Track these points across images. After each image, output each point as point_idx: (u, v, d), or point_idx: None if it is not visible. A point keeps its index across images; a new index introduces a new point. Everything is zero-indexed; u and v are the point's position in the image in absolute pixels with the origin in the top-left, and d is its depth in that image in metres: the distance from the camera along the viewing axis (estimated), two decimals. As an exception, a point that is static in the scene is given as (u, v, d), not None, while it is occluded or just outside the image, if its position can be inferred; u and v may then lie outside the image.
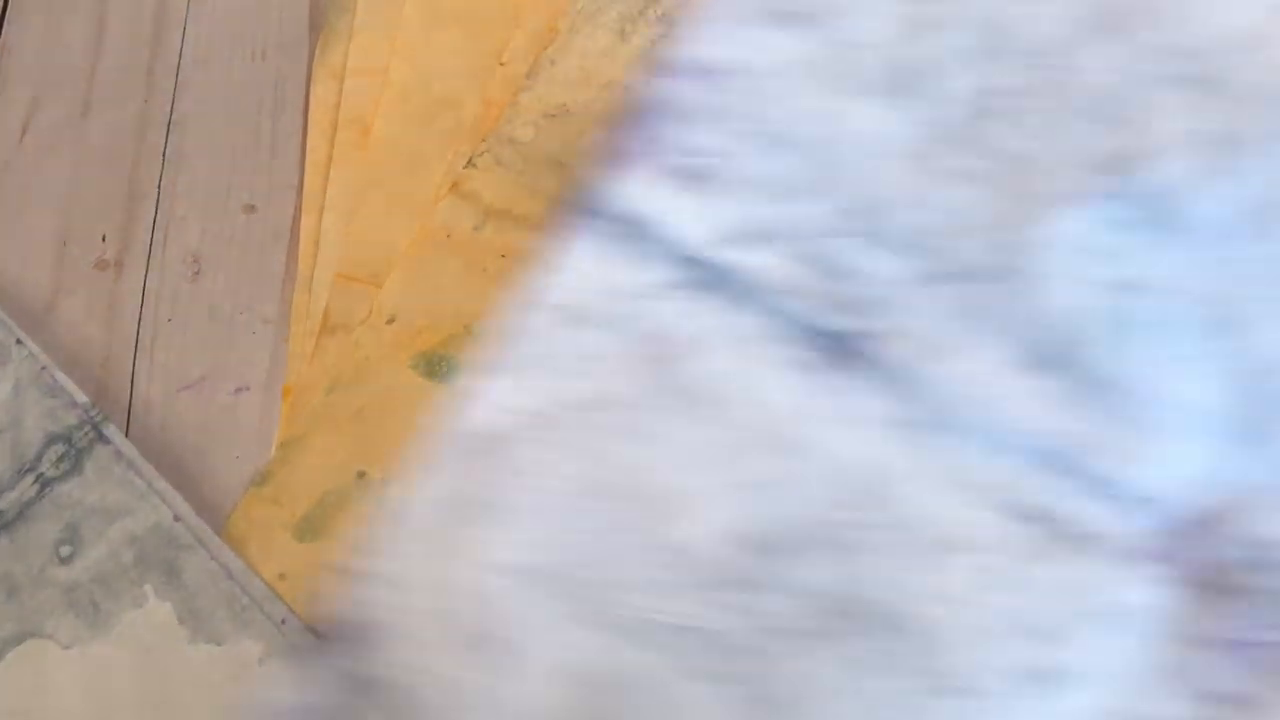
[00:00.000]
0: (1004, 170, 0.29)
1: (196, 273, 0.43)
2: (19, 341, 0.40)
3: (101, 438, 0.39)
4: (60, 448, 0.38)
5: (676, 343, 0.29)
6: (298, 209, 0.44)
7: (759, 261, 0.29)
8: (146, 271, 0.43)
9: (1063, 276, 0.29)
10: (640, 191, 0.30)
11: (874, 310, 0.29)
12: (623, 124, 0.30)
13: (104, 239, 0.44)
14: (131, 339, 0.42)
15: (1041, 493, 0.28)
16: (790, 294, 0.29)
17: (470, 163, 0.42)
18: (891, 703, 0.26)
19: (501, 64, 0.46)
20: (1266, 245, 0.29)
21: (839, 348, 0.29)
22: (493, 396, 0.28)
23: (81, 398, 0.39)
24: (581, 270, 0.30)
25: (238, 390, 0.41)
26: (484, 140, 0.42)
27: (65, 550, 0.37)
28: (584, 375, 0.29)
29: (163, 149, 0.46)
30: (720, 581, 0.27)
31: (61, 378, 0.39)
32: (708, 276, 0.29)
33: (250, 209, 0.44)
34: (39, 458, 0.38)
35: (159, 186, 0.45)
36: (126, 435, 0.40)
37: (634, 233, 0.30)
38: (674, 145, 0.30)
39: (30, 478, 0.38)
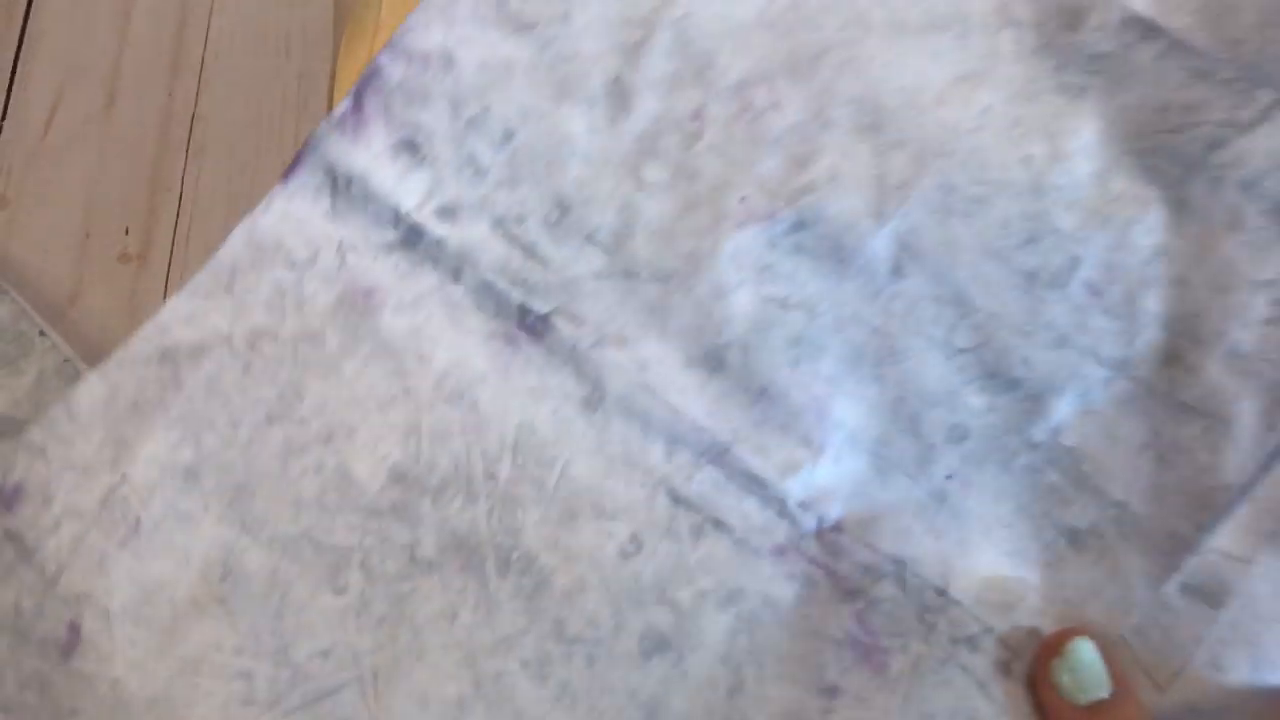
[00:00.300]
0: (694, 187, 0.32)
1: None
2: (42, 333, 0.40)
3: (124, 429, 0.39)
4: None
5: (382, 297, 0.31)
6: (321, 204, 0.45)
7: (467, 236, 0.32)
8: (169, 264, 0.43)
9: (734, 288, 0.32)
10: (365, 156, 0.32)
11: (565, 295, 0.32)
12: (361, 93, 0.32)
13: (127, 232, 0.44)
14: (154, 332, 0.42)
15: (695, 482, 0.31)
16: (495, 271, 0.32)
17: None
18: (504, 637, 0.29)
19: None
20: (922, 286, 0.32)
21: (534, 325, 0.32)
22: (200, 315, 0.31)
23: (104, 389, 0.39)
24: (300, 217, 0.32)
25: (259, 384, 0.42)
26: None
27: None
28: (290, 312, 0.31)
29: (186, 142, 0.46)
30: (373, 510, 0.30)
31: (84, 369, 0.39)
32: (421, 243, 0.32)
33: (273, 204, 0.45)
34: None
35: (182, 180, 0.45)
36: (148, 427, 0.40)
37: (356, 192, 0.32)
38: (401, 121, 0.32)
39: (53, 468, 0.38)
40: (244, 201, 0.44)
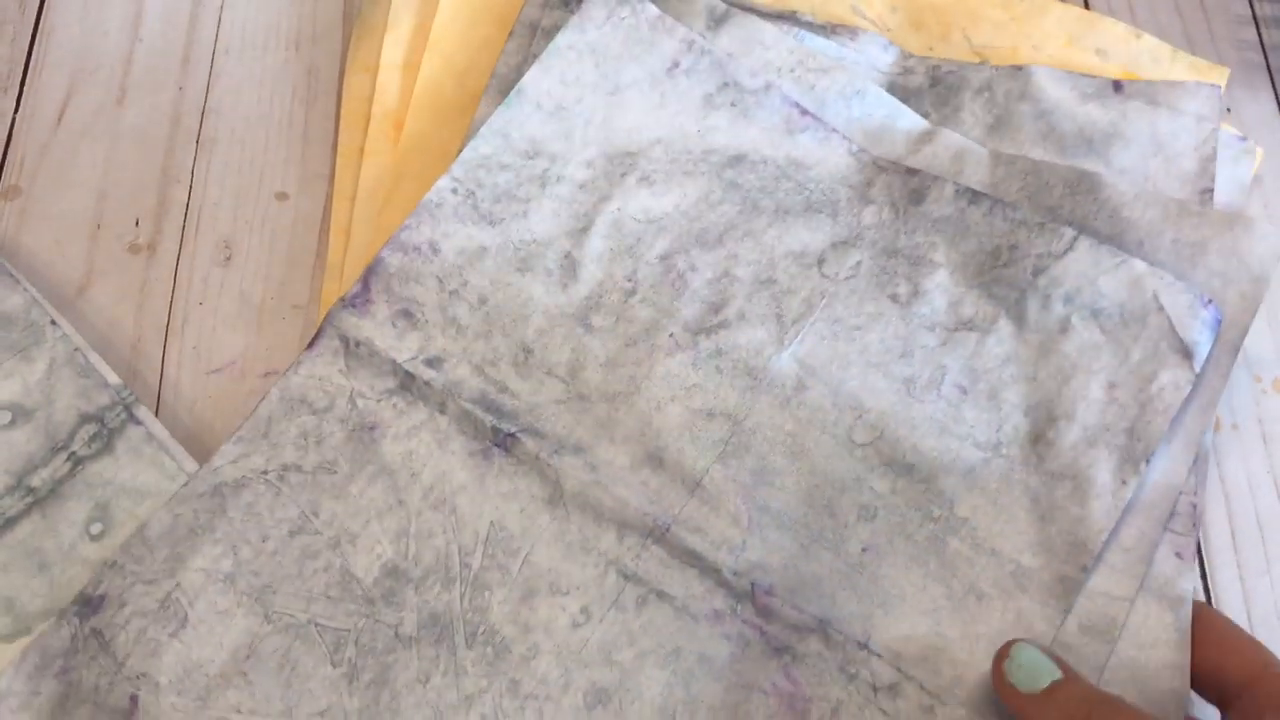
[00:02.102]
0: (631, 329, 0.40)
1: (228, 258, 0.44)
2: (53, 323, 0.40)
3: (133, 419, 0.39)
4: (92, 427, 0.39)
5: (383, 430, 0.39)
6: (329, 198, 0.45)
7: (450, 378, 0.39)
8: (179, 256, 0.44)
9: (667, 402, 0.39)
10: (370, 325, 0.40)
11: (530, 418, 0.39)
12: (367, 279, 0.40)
13: (137, 223, 0.45)
14: (163, 322, 0.43)
15: (643, 559, 0.37)
16: (472, 403, 0.39)
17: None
18: (467, 696, 0.36)
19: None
20: (822, 396, 0.39)
21: (504, 441, 0.38)
22: (243, 457, 0.38)
23: (114, 379, 0.40)
24: (321, 375, 0.40)
25: (267, 374, 0.42)
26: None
27: (96, 528, 0.38)
28: (311, 449, 0.39)
29: (196, 136, 0.46)
30: (368, 598, 0.37)
31: (95, 359, 0.40)
32: (414, 385, 0.39)
33: (282, 196, 0.45)
34: (71, 436, 0.39)
35: (192, 172, 0.46)
36: (156, 416, 0.41)
37: (364, 352, 0.40)
38: (399, 296, 0.40)
39: (62, 456, 0.39)
40: (253, 194, 0.45)
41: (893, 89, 0.45)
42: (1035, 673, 0.34)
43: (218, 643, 0.36)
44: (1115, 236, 0.40)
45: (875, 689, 0.35)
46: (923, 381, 0.39)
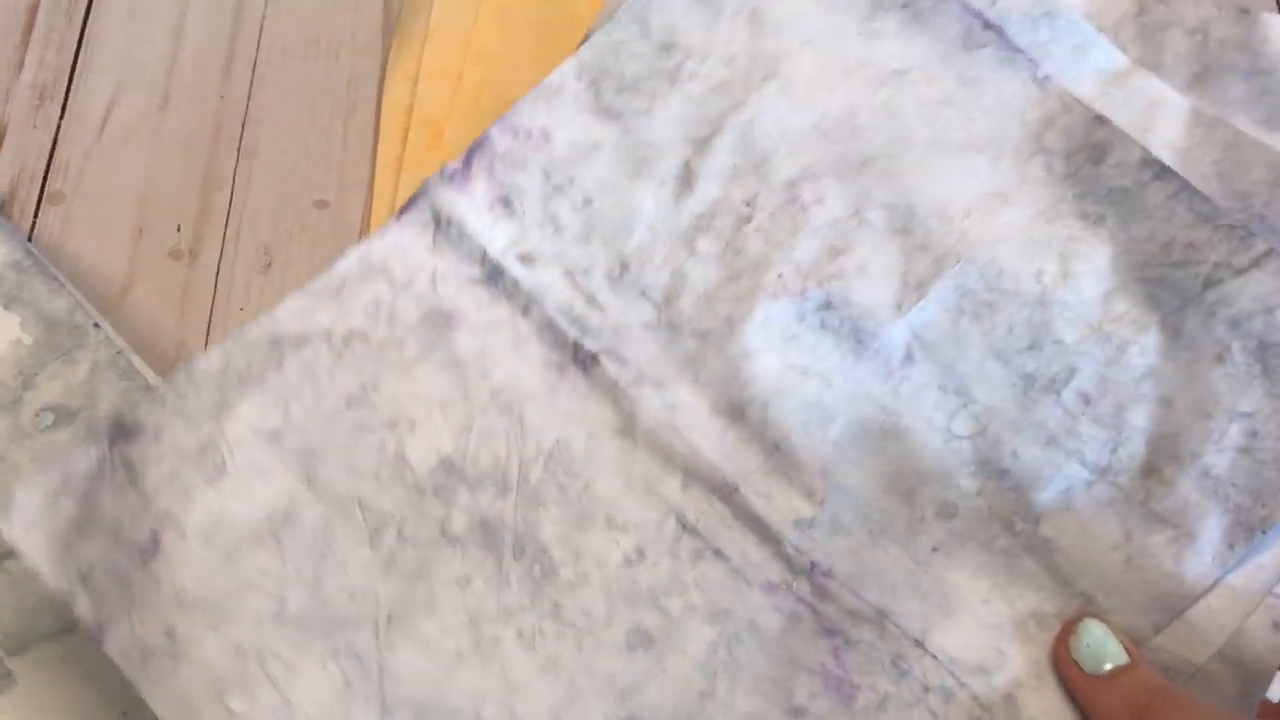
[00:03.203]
0: (739, 261, 0.37)
1: (268, 264, 0.44)
2: (96, 325, 0.41)
3: (174, 421, 0.40)
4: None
5: (460, 320, 0.36)
6: (368, 206, 0.46)
7: (539, 280, 0.37)
8: (219, 261, 0.44)
9: (761, 351, 0.36)
10: (466, 204, 0.37)
11: (615, 339, 0.36)
12: (470, 156, 0.38)
13: (179, 229, 0.45)
14: (204, 326, 0.43)
15: (705, 515, 0.35)
16: (558, 311, 0.36)
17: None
18: (507, 609, 0.33)
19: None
20: (930, 375, 0.36)
21: (584, 359, 0.36)
22: (309, 312, 0.36)
23: (156, 381, 0.40)
24: (406, 246, 0.37)
25: (305, 380, 0.43)
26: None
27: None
28: (382, 321, 0.36)
29: (238, 143, 0.47)
30: (418, 488, 0.35)
31: (137, 361, 0.40)
32: (501, 280, 0.37)
33: (322, 204, 0.45)
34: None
35: (233, 179, 0.46)
36: (197, 420, 0.41)
37: (454, 233, 0.37)
38: (501, 180, 0.38)
39: (105, 457, 0.39)
40: (293, 202, 0.46)
41: (1090, 13, 0.39)
42: (1101, 653, 0.32)
43: (253, 499, 0.34)
44: None
45: (927, 689, 0.33)
46: (1044, 380, 0.35)
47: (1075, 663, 0.33)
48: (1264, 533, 0.33)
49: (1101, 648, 0.32)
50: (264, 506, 0.34)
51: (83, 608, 0.33)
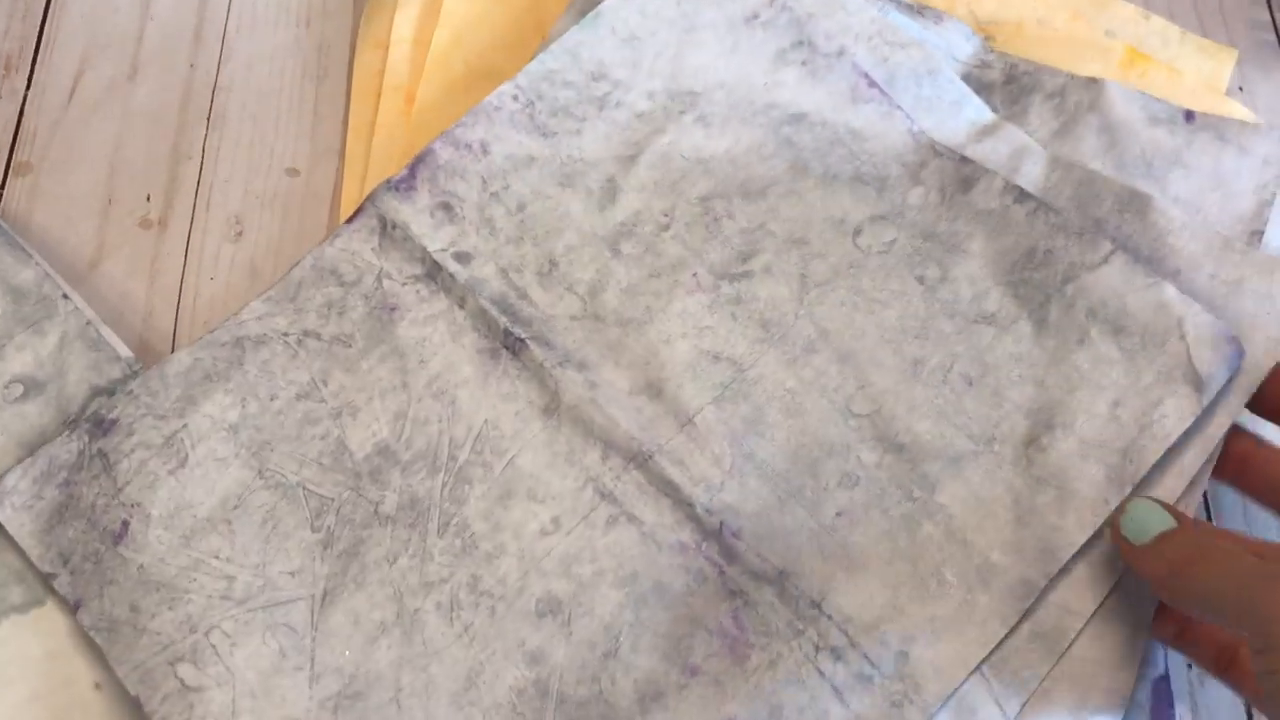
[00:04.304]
0: (658, 262, 0.41)
1: (239, 233, 0.44)
2: (65, 296, 0.40)
3: (144, 391, 0.40)
4: (104, 400, 0.39)
5: (402, 313, 0.40)
6: (339, 174, 0.45)
7: (474, 274, 0.40)
8: (190, 231, 0.44)
9: (677, 338, 0.40)
10: (410, 210, 0.41)
11: (544, 328, 0.40)
12: (415, 167, 0.41)
13: (149, 198, 0.45)
14: (174, 296, 0.43)
15: (622, 481, 0.38)
16: (491, 302, 0.40)
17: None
18: (428, 583, 0.36)
19: (543, 37, 0.46)
20: (830, 362, 0.39)
21: (513, 345, 0.39)
22: (269, 315, 0.40)
23: (126, 352, 0.40)
24: (354, 250, 0.41)
25: (277, 349, 0.42)
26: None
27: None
28: (333, 319, 0.40)
29: (207, 112, 0.46)
30: (356, 473, 0.38)
31: (107, 332, 0.40)
32: (440, 276, 0.40)
33: (293, 172, 0.45)
34: (83, 409, 0.39)
35: (203, 148, 0.46)
36: (168, 390, 0.41)
37: (398, 235, 0.41)
38: (442, 189, 0.41)
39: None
40: (264, 170, 0.45)
41: (967, 80, 0.45)
42: (1144, 524, 0.34)
43: (210, 488, 0.38)
44: (1155, 261, 0.40)
45: (818, 649, 0.35)
46: (931, 365, 0.39)
47: (1126, 539, 0.34)
48: (1135, 485, 0.37)
49: (1144, 519, 0.34)
50: (219, 494, 0.38)
51: (64, 586, 0.37)
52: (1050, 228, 0.40)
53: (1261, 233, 0.42)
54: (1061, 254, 0.40)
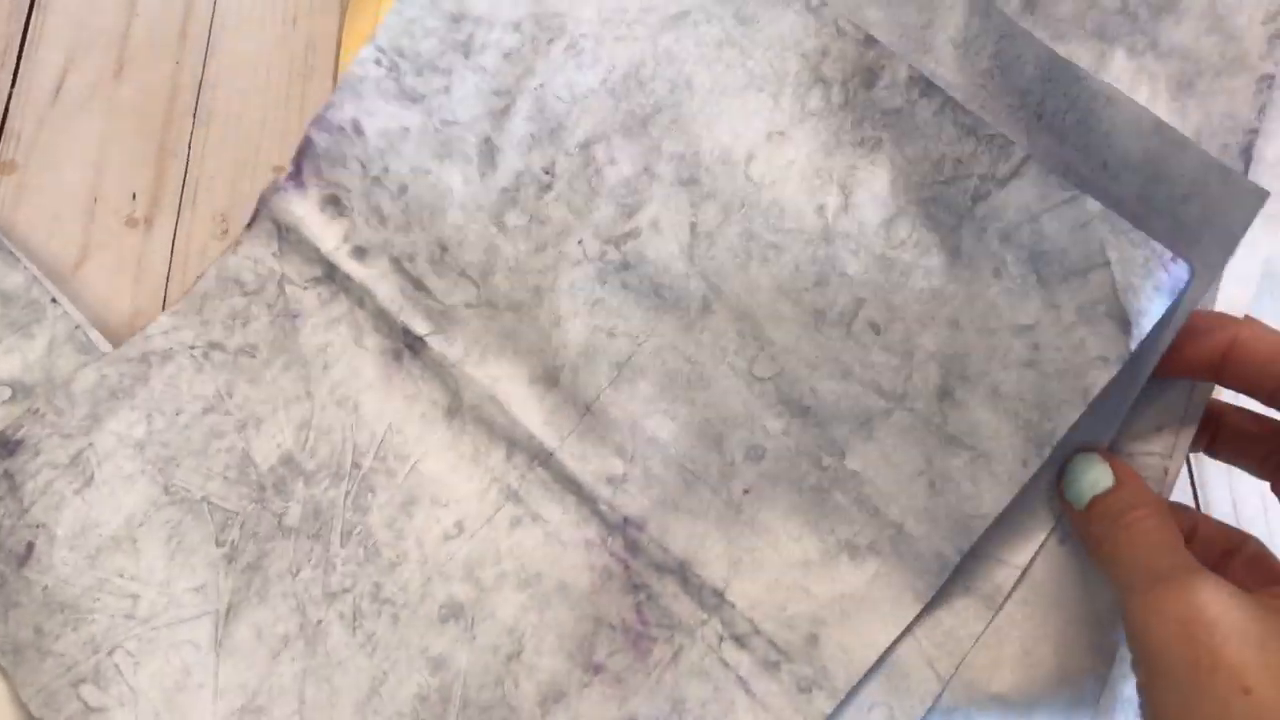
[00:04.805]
0: (544, 231, 0.38)
1: (225, 231, 0.44)
2: (53, 300, 0.40)
3: (132, 392, 0.40)
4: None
5: (304, 319, 0.39)
6: (326, 172, 0.45)
7: (369, 271, 0.39)
8: (176, 229, 0.44)
9: (569, 317, 0.37)
10: (302, 208, 0.39)
11: (443, 320, 0.38)
12: (299, 161, 0.40)
13: (134, 197, 0.45)
14: (160, 295, 0.43)
15: (527, 481, 0.37)
16: (389, 300, 0.38)
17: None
18: (331, 593, 0.36)
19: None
20: (727, 322, 0.36)
21: (414, 344, 0.38)
22: (175, 330, 0.39)
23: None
24: (256, 257, 0.40)
25: (265, 349, 0.42)
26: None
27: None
28: (238, 330, 0.39)
29: (193, 110, 0.46)
30: (260, 485, 0.37)
31: (95, 336, 0.40)
32: (337, 277, 0.39)
33: (280, 170, 0.45)
34: (70, 411, 0.39)
35: (189, 146, 0.45)
36: (155, 391, 0.41)
37: (294, 238, 0.39)
38: (327, 180, 0.39)
39: (62, 430, 0.39)
40: (250, 168, 0.45)
41: None
42: (1080, 489, 0.32)
43: (116, 506, 0.37)
44: (1081, 149, 0.34)
45: (721, 639, 0.34)
46: (834, 315, 0.35)
47: (1070, 504, 0.33)
48: (1051, 448, 0.33)
49: (1079, 483, 0.32)
50: (125, 512, 0.37)
51: None
52: (959, 130, 0.34)
53: (1273, 76, 0.35)
54: (970, 164, 0.34)
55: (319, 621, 0.36)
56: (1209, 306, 0.34)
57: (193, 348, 0.39)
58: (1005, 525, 0.34)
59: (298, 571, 0.36)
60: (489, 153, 0.39)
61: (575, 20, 0.38)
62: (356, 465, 0.37)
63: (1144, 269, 0.32)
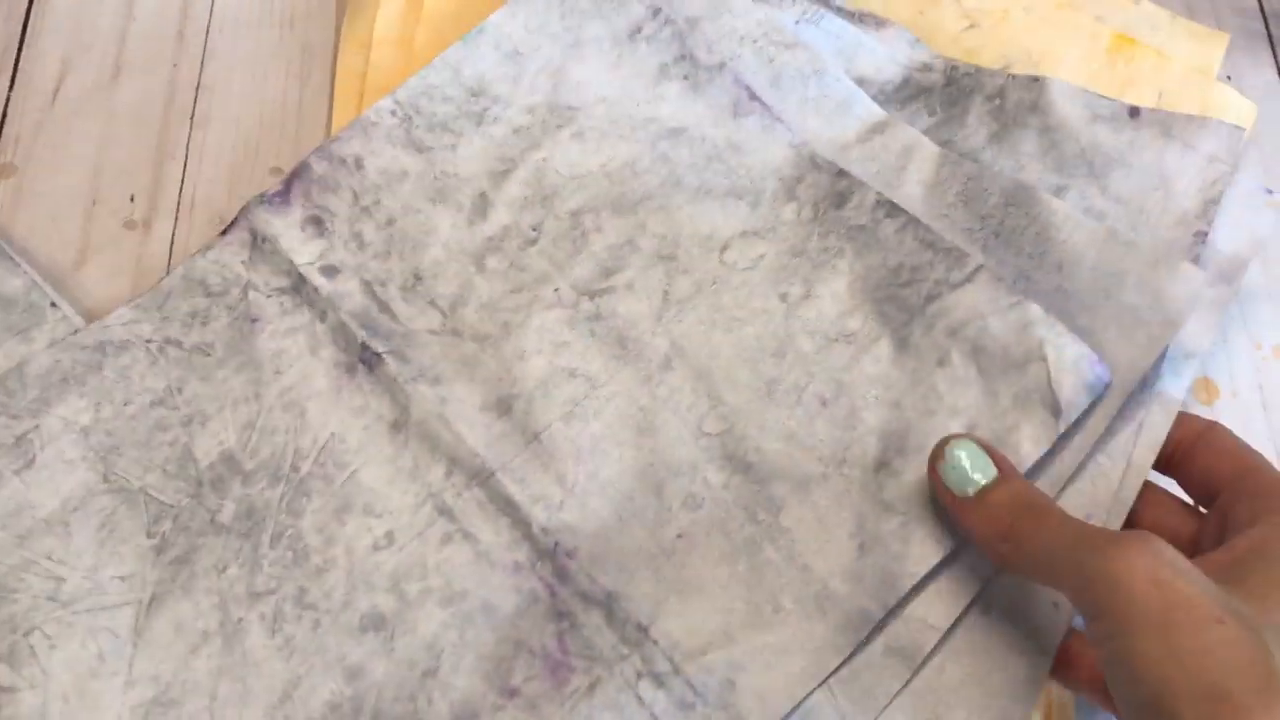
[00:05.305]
0: (522, 276, 0.41)
1: (223, 233, 0.44)
2: (53, 304, 0.40)
3: (129, 394, 0.40)
4: None
5: (263, 325, 0.40)
6: (323, 174, 0.45)
7: (337, 288, 0.40)
8: (174, 231, 0.44)
9: (533, 354, 0.39)
10: (281, 223, 0.41)
11: (402, 342, 0.39)
12: (290, 182, 0.41)
13: (133, 199, 0.45)
14: (159, 299, 0.43)
15: (463, 499, 0.37)
16: (351, 316, 0.40)
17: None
18: (255, 593, 0.36)
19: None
20: (685, 380, 0.39)
21: (369, 359, 0.39)
22: (134, 322, 0.40)
23: (110, 355, 0.40)
24: (225, 262, 0.41)
25: (262, 351, 0.42)
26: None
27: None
28: (196, 328, 0.40)
29: (191, 112, 0.46)
30: (198, 481, 0.38)
31: (91, 335, 0.40)
32: (304, 289, 0.40)
33: (277, 172, 0.45)
34: (68, 413, 0.39)
35: (187, 149, 0.46)
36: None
37: (268, 249, 0.41)
38: (315, 203, 0.41)
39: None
40: (247, 170, 0.45)
41: (907, 83, 0.44)
42: (965, 475, 0.33)
43: (54, 489, 0.37)
44: (1037, 256, 0.39)
45: (640, 675, 0.34)
46: (786, 385, 0.38)
47: (948, 489, 0.34)
48: None
49: (964, 470, 0.33)
50: (61, 496, 0.37)
51: None
52: (919, 244, 0.39)
53: (1206, 233, 0.40)
54: (926, 271, 0.39)
55: (239, 620, 0.36)
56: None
57: (149, 341, 0.39)
58: (931, 589, 0.35)
59: (224, 569, 0.36)
60: (482, 205, 0.42)
61: (586, 115, 0.43)
62: (295, 469, 0.38)
63: (1074, 366, 0.36)
